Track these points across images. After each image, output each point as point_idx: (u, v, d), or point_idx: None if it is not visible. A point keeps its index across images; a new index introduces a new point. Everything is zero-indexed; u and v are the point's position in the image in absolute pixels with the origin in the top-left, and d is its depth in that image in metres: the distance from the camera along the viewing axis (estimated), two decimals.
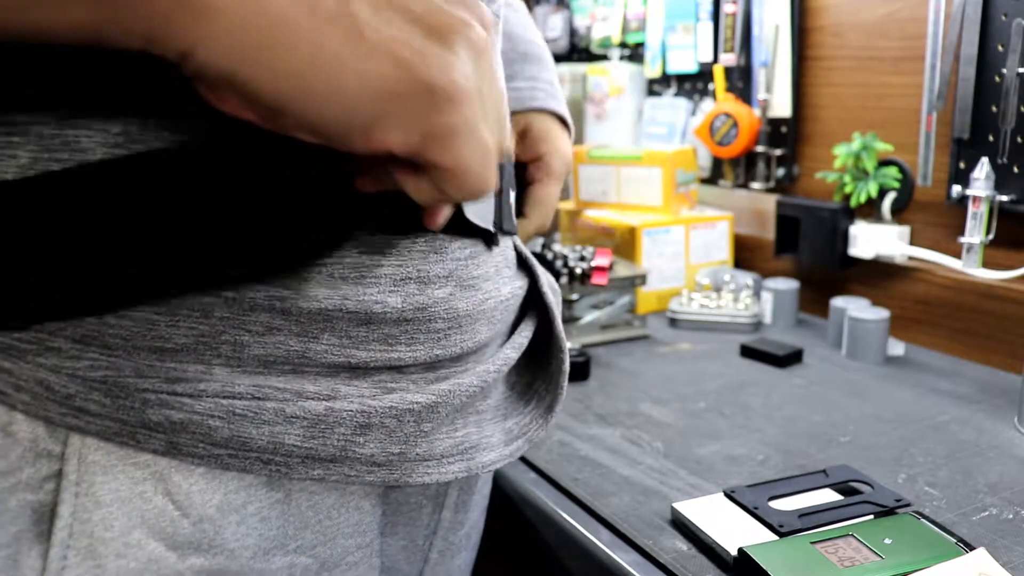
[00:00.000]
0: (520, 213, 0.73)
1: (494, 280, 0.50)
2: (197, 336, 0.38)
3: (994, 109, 0.91)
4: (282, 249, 0.39)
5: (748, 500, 0.60)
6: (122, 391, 0.37)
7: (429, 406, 0.44)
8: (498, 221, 0.48)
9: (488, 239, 0.48)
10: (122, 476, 0.38)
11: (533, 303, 0.57)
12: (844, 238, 1.06)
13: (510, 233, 0.52)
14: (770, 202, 1.18)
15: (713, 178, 1.32)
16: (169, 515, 0.39)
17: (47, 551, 0.38)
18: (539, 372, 0.56)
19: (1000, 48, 0.90)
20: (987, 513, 0.61)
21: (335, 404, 0.41)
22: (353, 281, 0.41)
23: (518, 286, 0.53)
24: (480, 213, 0.47)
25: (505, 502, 0.69)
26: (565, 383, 0.56)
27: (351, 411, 0.41)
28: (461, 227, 0.45)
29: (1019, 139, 0.89)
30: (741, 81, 1.24)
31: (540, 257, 0.92)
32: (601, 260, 0.99)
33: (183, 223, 0.37)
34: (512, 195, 0.52)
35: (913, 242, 1.03)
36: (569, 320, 1.01)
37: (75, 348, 0.37)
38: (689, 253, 1.18)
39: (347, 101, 0.32)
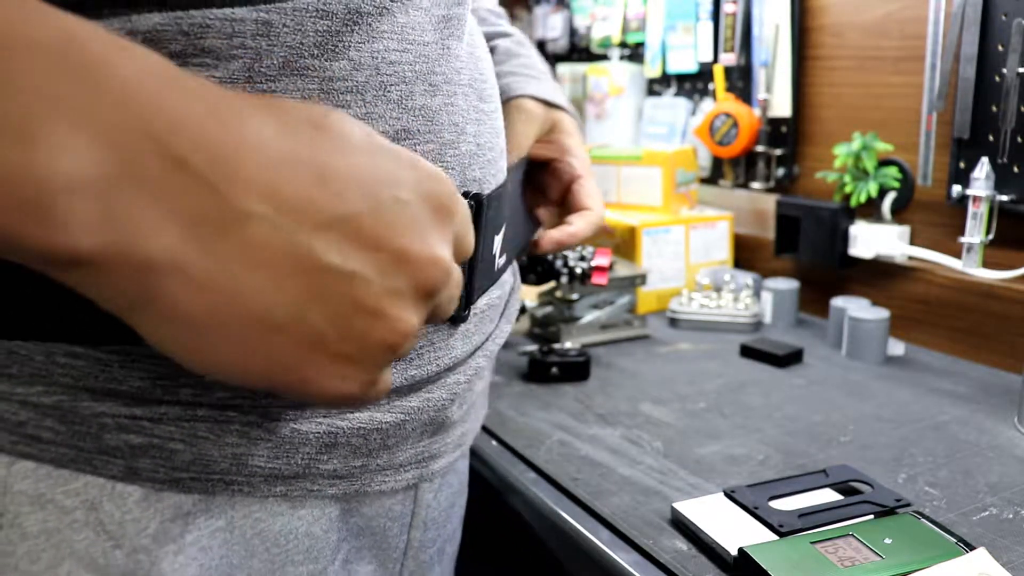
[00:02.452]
0: (575, 208, 0.72)
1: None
2: (154, 379, 0.36)
3: (994, 109, 0.91)
4: None
5: (748, 500, 0.60)
6: (77, 417, 0.36)
7: (396, 424, 0.43)
8: (460, 310, 0.46)
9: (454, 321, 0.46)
10: (50, 506, 0.36)
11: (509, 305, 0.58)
12: (844, 238, 1.06)
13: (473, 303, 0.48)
14: (770, 202, 1.18)
15: (713, 178, 1.32)
16: (101, 546, 0.37)
17: None
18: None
19: (1000, 48, 0.90)
20: (987, 513, 0.61)
21: (301, 425, 0.40)
22: None
23: (496, 296, 0.52)
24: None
25: (504, 502, 0.69)
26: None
27: (318, 432, 0.40)
28: None
29: (1019, 139, 0.89)
30: (741, 81, 1.24)
31: (539, 257, 0.92)
32: (601, 260, 0.99)
33: None
34: (496, 240, 0.50)
35: (913, 242, 1.03)
36: (569, 320, 1.01)
37: (27, 377, 0.36)
38: (689, 253, 1.18)
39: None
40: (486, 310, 0.51)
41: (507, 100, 0.69)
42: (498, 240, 0.49)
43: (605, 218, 0.72)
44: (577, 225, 0.71)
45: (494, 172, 0.50)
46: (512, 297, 0.59)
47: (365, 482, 0.44)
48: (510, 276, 0.58)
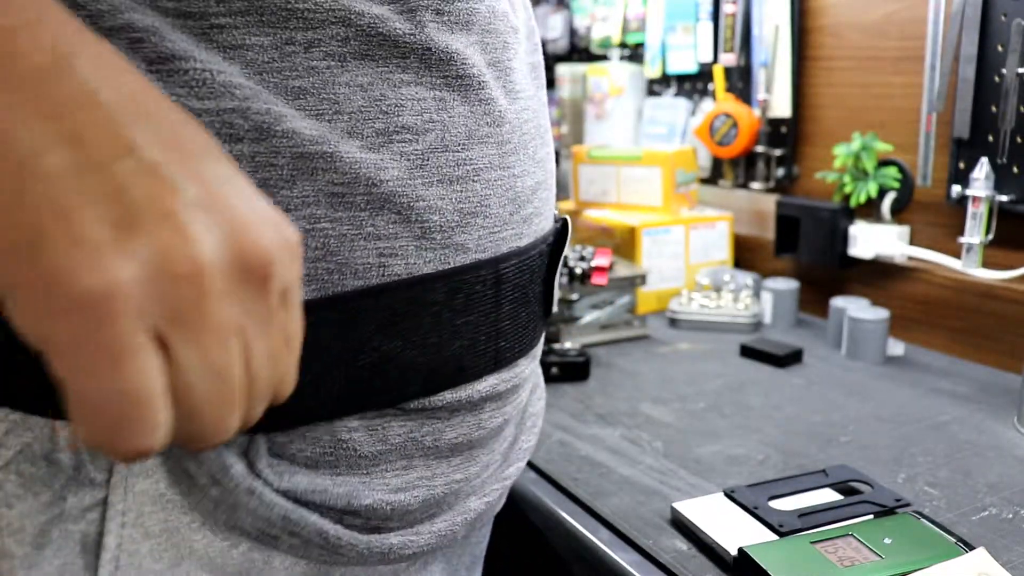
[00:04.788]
0: None
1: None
2: (408, 436, 0.40)
3: (994, 109, 0.91)
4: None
5: (748, 500, 0.60)
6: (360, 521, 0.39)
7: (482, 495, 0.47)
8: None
9: None
10: (170, 505, 0.37)
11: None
12: (844, 238, 1.06)
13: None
14: (770, 202, 1.18)
15: (713, 178, 1.32)
16: (218, 546, 0.37)
17: None
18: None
19: (1000, 48, 0.90)
20: (987, 513, 0.61)
21: (487, 498, 0.46)
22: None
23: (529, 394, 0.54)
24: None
25: (504, 502, 0.69)
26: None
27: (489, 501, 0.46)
28: None
29: (1019, 139, 0.89)
30: (741, 81, 1.24)
31: None
32: (601, 260, 0.99)
33: None
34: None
35: (913, 242, 1.03)
36: (569, 320, 1.01)
37: (312, 465, 0.38)
38: (689, 253, 1.18)
39: None
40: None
41: None
42: None
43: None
44: None
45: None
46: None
47: (467, 534, 0.47)
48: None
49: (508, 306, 0.43)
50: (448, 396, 0.41)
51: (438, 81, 0.38)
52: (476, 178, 0.40)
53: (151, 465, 0.36)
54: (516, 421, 0.49)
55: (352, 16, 0.35)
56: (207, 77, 0.32)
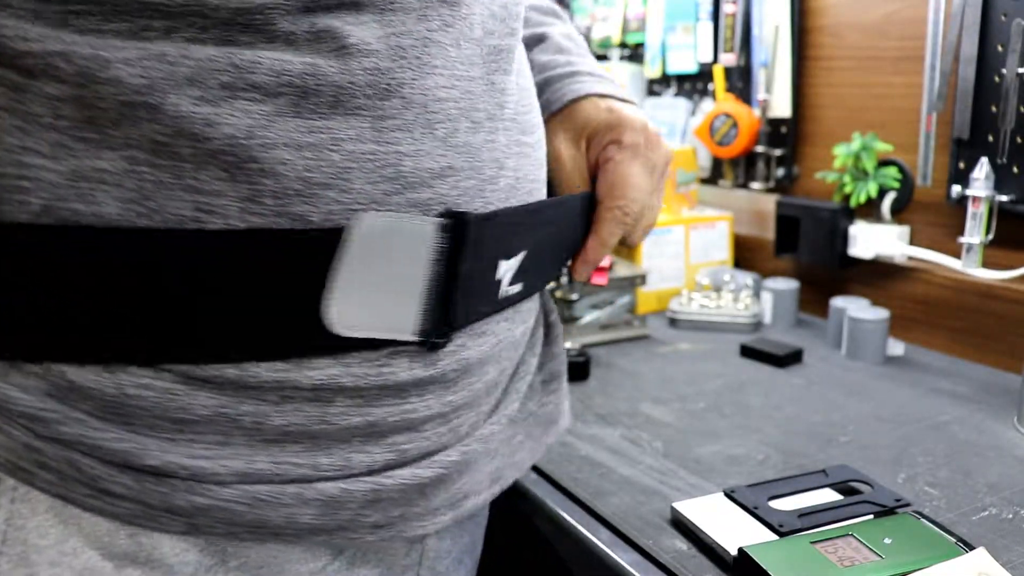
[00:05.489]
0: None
1: (511, 320, 0.50)
2: (216, 407, 0.38)
3: (994, 109, 0.91)
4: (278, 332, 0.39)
5: (748, 500, 0.60)
6: (151, 476, 0.38)
7: (436, 479, 0.45)
8: (430, 324, 0.42)
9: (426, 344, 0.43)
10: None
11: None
12: (844, 238, 1.06)
13: (457, 328, 0.44)
14: (770, 202, 1.18)
15: (713, 178, 1.32)
16: (106, 526, 0.39)
17: None
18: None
19: (1000, 48, 0.90)
20: (987, 513, 0.61)
21: (349, 485, 0.42)
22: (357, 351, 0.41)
23: (519, 332, 0.52)
24: (378, 316, 0.40)
25: (504, 502, 0.69)
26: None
27: (364, 490, 0.42)
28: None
29: (1019, 139, 0.89)
30: (741, 81, 1.24)
31: None
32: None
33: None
34: (502, 266, 0.46)
35: (913, 242, 1.03)
36: (569, 320, 1.01)
37: (98, 421, 0.37)
38: (689, 253, 1.18)
39: None
40: (520, 338, 0.51)
41: (560, 108, 0.60)
42: (505, 265, 0.47)
43: (629, 222, 0.58)
44: (587, 249, 0.59)
45: (551, 205, 0.51)
46: (537, 332, 0.58)
47: (401, 528, 0.45)
48: (535, 307, 0.56)
49: (358, 291, 0.39)
50: (268, 375, 0.39)
51: (308, 50, 0.37)
52: (335, 148, 0.37)
53: (102, 523, 0.39)
54: (412, 432, 0.45)
55: (208, 10, 0.35)
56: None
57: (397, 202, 0.39)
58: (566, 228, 0.55)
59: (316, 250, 0.38)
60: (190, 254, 0.36)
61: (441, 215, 0.41)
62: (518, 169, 0.47)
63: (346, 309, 0.39)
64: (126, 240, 0.35)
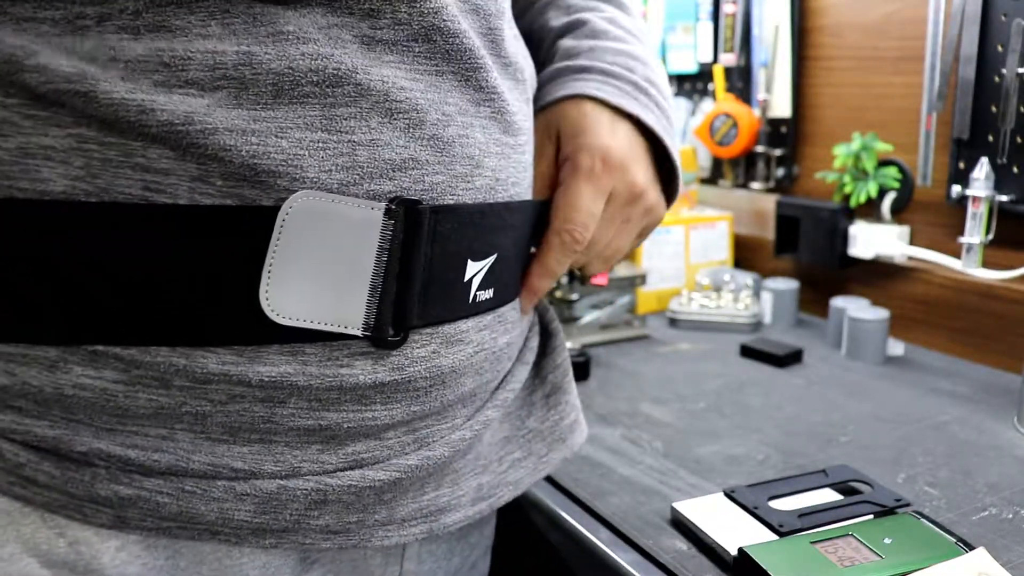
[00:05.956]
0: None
1: (491, 329, 0.47)
2: (157, 408, 0.38)
3: (994, 109, 0.91)
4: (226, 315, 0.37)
5: (748, 500, 0.60)
6: (73, 463, 0.37)
7: (392, 482, 0.43)
8: (380, 320, 0.40)
9: (377, 342, 0.40)
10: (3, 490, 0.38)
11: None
12: (844, 238, 1.06)
13: (414, 328, 0.42)
14: (770, 202, 1.18)
15: (713, 178, 1.32)
16: (45, 534, 0.38)
17: None
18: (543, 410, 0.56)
19: (1000, 48, 0.90)
20: (987, 513, 0.61)
21: (289, 483, 0.40)
22: (318, 347, 0.39)
23: (503, 343, 0.48)
24: (316, 308, 0.38)
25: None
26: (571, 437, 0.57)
27: (306, 490, 0.40)
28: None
29: (1019, 139, 0.89)
30: (741, 81, 1.24)
31: None
32: None
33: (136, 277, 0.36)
34: (470, 266, 0.44)
35: (913, 242, 1.03)
36: (569, 320, 1.01)
37: (36, 408, 0.37)
38: (689, 253, 1.18)
39: None
40: (504, 349, 0.48)
41: (546, 105, 0.55)
42: (474, 267, 0.44)
43: (571, 248, 0.52)
44: (530, 274, 0.53)
45: (516, 208, 0.47)
46: (530, 342, 0.56)
47: (364, 537, 0.44)
48: (519, 318, 0.52)
49: (296, 276, 0.38)
50: (216, 367, 0.37)
51: (247, 39, 0.36)
52: (282, 135, 0.36)
53: (26, 510, 0.38)
54: (372, 439, 0.43)
55: None
56: None
57: (355, 192, 0.38)
58: (530, 238, 0.52)
59: (260, 229, 0.37)
60: (137, 230, 0.36)
61: (390, 201, 0.39)
62: (498, 169, 0.45)
63: (281, 294, 0.37)
64: (71, 215, 0.35)
